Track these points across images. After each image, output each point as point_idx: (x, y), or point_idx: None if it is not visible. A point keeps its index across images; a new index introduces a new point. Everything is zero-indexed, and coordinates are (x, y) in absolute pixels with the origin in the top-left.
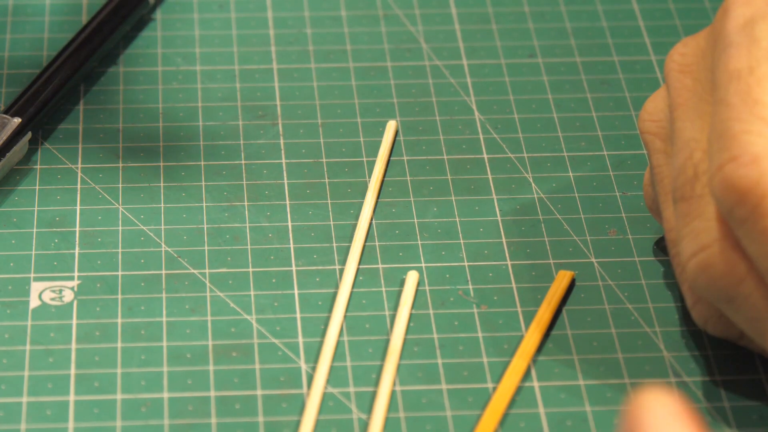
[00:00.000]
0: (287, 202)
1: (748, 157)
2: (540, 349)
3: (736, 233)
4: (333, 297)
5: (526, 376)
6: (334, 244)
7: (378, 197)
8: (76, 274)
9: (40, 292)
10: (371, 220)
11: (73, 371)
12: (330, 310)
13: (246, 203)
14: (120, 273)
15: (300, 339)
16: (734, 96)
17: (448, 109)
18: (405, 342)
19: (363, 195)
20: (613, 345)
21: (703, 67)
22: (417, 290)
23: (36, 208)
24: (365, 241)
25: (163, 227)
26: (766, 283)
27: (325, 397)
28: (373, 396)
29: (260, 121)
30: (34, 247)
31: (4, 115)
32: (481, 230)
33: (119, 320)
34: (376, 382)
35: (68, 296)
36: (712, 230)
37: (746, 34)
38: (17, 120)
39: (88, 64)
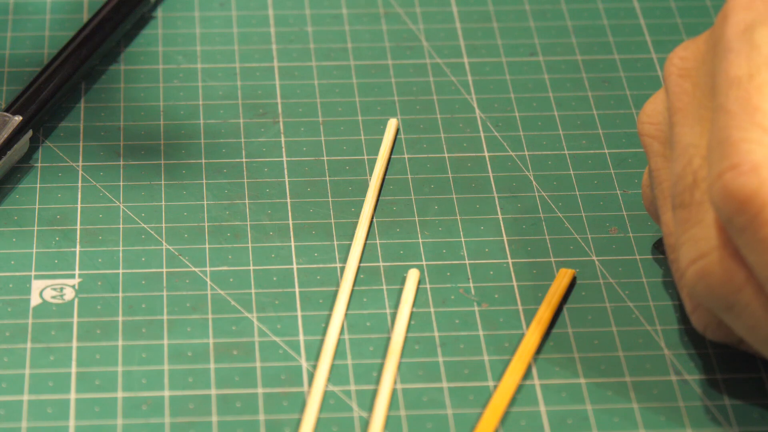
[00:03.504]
0: (288, 200)
1: (748, 165)
2: (541, 348)
3: (735, 241)
4: (334, 295)
5: (527, 374)
6: (335, 242)
7: (379, 195)
8: (77, 272)
9: (41, 290)
10: (372, 218)
11: (74, 369)
12: (331, 308)
13: (247, 201)
14: (121, 271)
15: (301, 337)
16: (734, 103)
17: (449, 107)
18: (406, 340)
19: (364, 193)
20: (613, 343)
21: (703, 71)
22: (418, 288)
23: (37, 206)
24: (366, 239)
25: (163, 225)
26: (765, 292)
27: (326, 396)
28: (374, 394)
29: (261, 119)
30: (35, 245)
31: (5, 113)
32: (481, 228)
33: (120, 318)
34: (377, 381)
35: (69, 294)
36: (711, 238)
37: (746, 40)
38: (18, 118)
39: (89, 62)
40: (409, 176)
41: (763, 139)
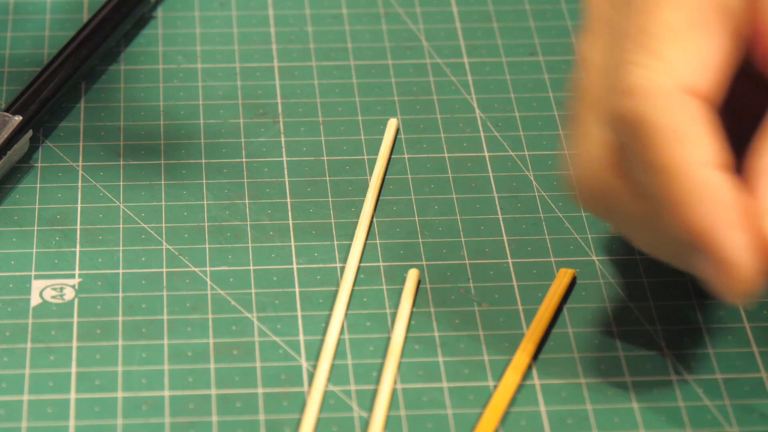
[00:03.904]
0: (288, 200)
1: (640, 90)
2: (541, 348)
3: (627, 161)
4: (334, 295)
5: (527, 374)
6: (335, 242)
7: (379, 195)
8: (77, 272)
9: (41, 290)
10: (372, 218)
11: (74, 369)
12: (331, 308)
13: (247, 201)
14: (121, 271)
15: (301, 337)
16: (633, 27)
17: (449, 107)
18: (406, 340)
19: (364, 193)
20: (614, 343)
21: None
22: (418, 288)
23: (37, 206)
24: (366, 239)
25: (164, 225)
26: (647, 204)
27: (326, 396)
28: (374, 394)
29: (261, 119)
30: (35, 245)
31: (5, 113)
32: (482, 228)
33: (120, 318)
34: (377, 381)
35: (69, 294)
36: (600, 152)
37: None
38: (18, 118)
39: (89, 62)
40: (409, 176)
41: (654, 65)
